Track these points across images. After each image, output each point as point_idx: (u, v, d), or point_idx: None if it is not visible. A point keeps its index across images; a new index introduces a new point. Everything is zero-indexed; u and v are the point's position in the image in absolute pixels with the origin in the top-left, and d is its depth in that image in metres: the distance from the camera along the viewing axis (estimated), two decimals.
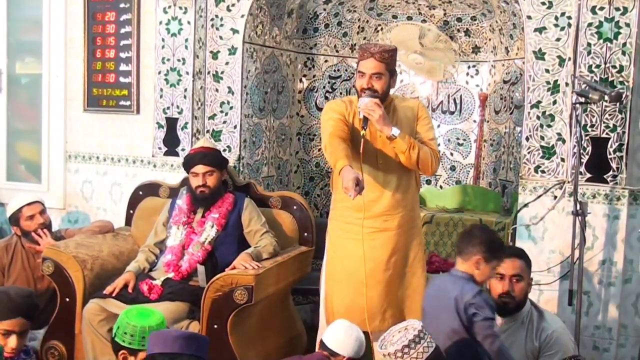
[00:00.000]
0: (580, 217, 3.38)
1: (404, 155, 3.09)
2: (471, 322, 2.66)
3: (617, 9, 3.52)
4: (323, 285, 3.37)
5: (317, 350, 3.00)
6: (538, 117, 3.70)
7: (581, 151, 3.55)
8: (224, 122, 4.34)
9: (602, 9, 3.54)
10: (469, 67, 4.86)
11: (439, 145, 4.83)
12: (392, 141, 3.06)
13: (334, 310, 3.25)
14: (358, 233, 3.17)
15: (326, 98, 4.95)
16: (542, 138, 3.71)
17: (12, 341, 2.65)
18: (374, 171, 3.17)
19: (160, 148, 4.36)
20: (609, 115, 3.56)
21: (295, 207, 3.86)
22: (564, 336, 2.96)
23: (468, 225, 3.45)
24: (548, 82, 3.68)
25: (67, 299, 3.53)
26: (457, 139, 4.92)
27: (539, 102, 3.70)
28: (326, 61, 4.95)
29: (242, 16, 4.25)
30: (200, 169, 3.59)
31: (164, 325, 2.70)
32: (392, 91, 3.27)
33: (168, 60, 4.29)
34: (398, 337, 2.46)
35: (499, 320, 2.96)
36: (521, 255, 3.07)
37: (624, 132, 3.55)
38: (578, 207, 3.37)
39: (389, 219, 3.19)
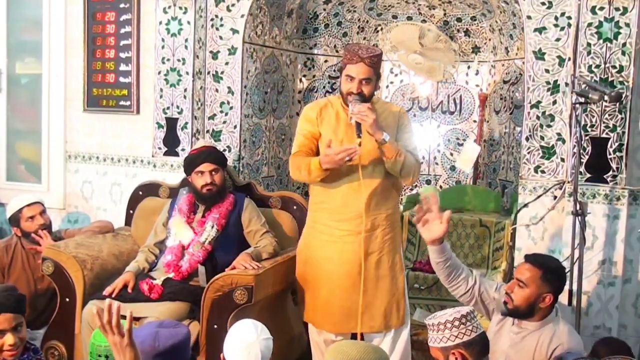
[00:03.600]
0: (580, 217, 3.37)
1: (390, 161, 3.06)
2: None
3: (617, 9, 3.52)
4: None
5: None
6: (538, 117, 3.71)
7: (581, 151, 3.55)
8: (224, 122, 4.34)
9: (602, 9, 3.54)
10: (468, 67, 4.86)
11: (441, 146, 4.86)
12: (382, 146, 3.04)
13: (315, 311, 3.28)
14: (331, 235, 3.20)
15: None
16: (542, 138, 3.71)
17: (9, 339, 2.50)
18: (349, 173, 3.14)
19: (160, 148, 4.36)
20: (609, 115, 3.56)
21: (295, 207, 3.86)
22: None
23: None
24: (548, 82, 3.68)
25: (67, 299, 3.53)
26: (457, 139, 4.92)
27: (539, 102, 3.70)
28: (326, 61, 4.95)
29: (242, 16, 4.26)
30: (206, 167, 3.59)
31: None
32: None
33: (168, 60, 4.29)
34: (449, 313, 2.45)
35: (510, 321, 2.92)
36: (541, 265, 2.85)
37: (623, 132, 3.55)
38: (578, 207, 3.37)
39: (361, 222, 3.16)
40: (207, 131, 4.34)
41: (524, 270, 2.86)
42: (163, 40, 4.29)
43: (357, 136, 3.02)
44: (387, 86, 4.99)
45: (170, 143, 4.34)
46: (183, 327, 2.57)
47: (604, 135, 3.57)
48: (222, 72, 4.31)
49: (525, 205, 3.73)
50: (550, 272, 2.86)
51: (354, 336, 3.22)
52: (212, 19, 4.28)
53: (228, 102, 4.33)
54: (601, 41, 3.55)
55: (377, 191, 3.16)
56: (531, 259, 2.91)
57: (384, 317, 3.22)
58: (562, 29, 3.64)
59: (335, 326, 3.24)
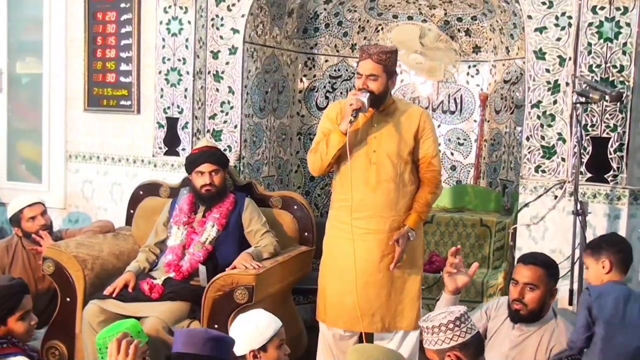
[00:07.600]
0: (580, 217, 3.38)
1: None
2: None
3: (618, 9, 3.51)
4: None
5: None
6: (538, 117, 3.70)
7: (582, 151, 3.55)
8: (225, 121, 4.34)
9: (602, 8, 3.53)
10: (469, 67, 4.86)
11: (439, 145, 4.86)
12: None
13: (325, 308, 3.29)
14: (350, 232, 3.18)
15: (326, 98, 4.95)
16: (543, 138, 3.71)
17: None
18: (365, 171, 3.16)
19: (160, 148, 4.36)
20: (610, 115, 3.56)
21: (295, 207, 3.86)
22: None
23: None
24: (548, 82, 3.68)
25: (68, 299, 3.53)
26: (458, 138, 4.92)
27: (540, 101, 3.70)
28: (326, 61, 4.95)
29: (243, 16, 4.25)
30: (206, 167, 3.59)
31: (138, 327, 2.71)
32: (392, 92, 3.28)
33: (168, 60, 4.29)
34: (442, 315, 2.45)
35: (510, 326, 2.92)
36: (542, 264, 2.92)
37: (624, 132, 3.55)
38: (578, 207, 3.37)
39: (380, 221, 3.16)
40: (208, 131, 4.34)
41: (529, 272, 2.88)
42: (164, 39, 4.29)
43: (352, 116, 3.04)
44: None
45: (171, 143, 4.34)
46: (229, 337, 2.60)
47: (604, 135, 3.57)
48: (222, 72, 4.31)
49: (526, 204, 3.72)
50: (552, 267, 2.95)
51: (366, 336, 3.22)
52: (212, 19, 4.28)
53: (228, 102, 4.33)
54: (602, 41, 3.55)
55: (397, 191, 3.17)
56: (530, 260, 2.93)
57: (395, 318, 3.21)
58: (563, 28, 3.64)
59: (347, 324, 3.23)
